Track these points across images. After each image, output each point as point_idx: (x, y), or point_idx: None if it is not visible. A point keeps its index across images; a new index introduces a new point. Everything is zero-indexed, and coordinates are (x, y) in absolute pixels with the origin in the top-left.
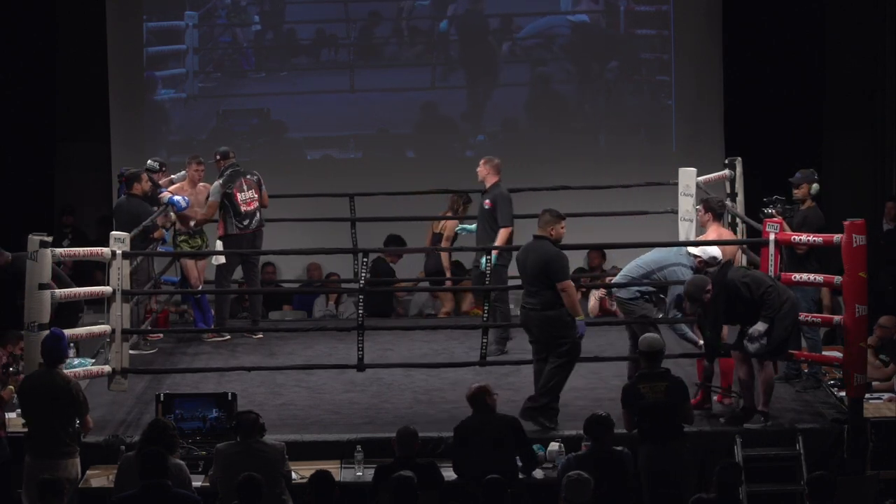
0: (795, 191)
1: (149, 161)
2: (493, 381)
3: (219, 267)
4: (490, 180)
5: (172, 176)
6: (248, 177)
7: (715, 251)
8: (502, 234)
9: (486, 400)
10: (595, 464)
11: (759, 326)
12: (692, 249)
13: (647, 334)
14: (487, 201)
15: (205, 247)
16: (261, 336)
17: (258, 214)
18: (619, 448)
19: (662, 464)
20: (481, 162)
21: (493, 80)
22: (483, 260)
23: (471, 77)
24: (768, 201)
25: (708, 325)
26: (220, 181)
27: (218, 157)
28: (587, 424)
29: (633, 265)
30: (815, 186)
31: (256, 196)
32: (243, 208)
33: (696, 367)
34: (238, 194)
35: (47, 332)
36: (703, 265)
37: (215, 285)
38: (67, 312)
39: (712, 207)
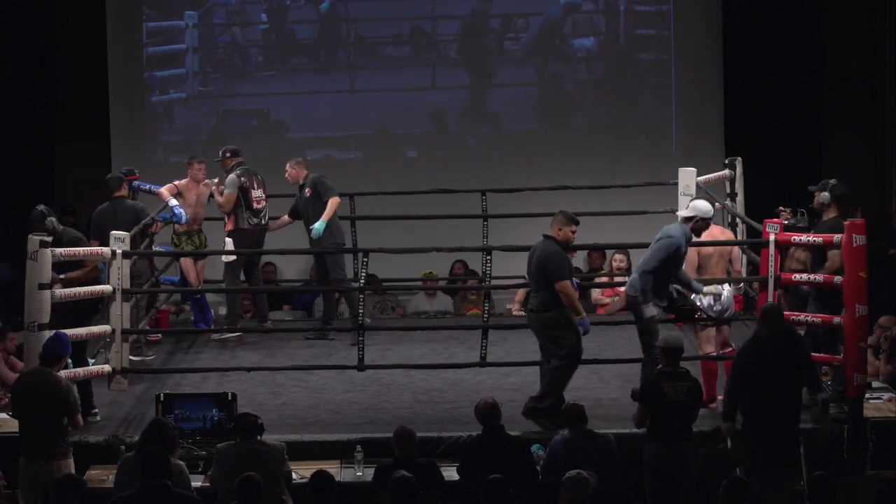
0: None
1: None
2: (494, 381)
3: (228, 264)
4: (302, 175)
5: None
6: (258, 176)
7: (702, 204)
8: (331, 205)
9: (497, 419)
10: (580, 444)
11: None
12: (682, 213)
13: (666, 332)
14: (308, 189)
15: (203, 247)
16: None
17: (266, 213)
18: (602, 432)
19: (671, 463)
20: (287, 166)
21: (493, 80)
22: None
23: (471, 77)
24: (794, 220)
25: None
26: (237, 175)
27: (228, 154)
28: (563, 414)
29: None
30: (825, 195)
31: (265, 196)
32: (255, 206)
33: (699, 368)
34: (252, 191)
35: (51, 332)
36: (700, 224)
37: (225, 283)
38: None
39: None
